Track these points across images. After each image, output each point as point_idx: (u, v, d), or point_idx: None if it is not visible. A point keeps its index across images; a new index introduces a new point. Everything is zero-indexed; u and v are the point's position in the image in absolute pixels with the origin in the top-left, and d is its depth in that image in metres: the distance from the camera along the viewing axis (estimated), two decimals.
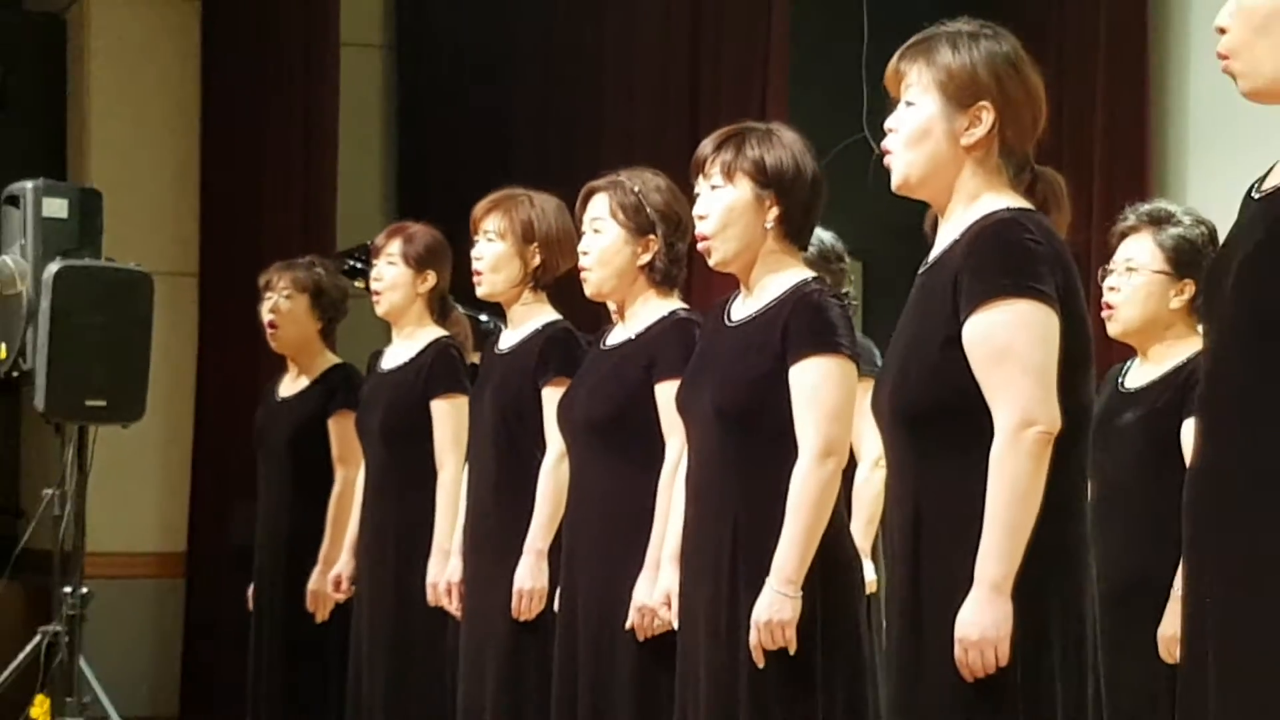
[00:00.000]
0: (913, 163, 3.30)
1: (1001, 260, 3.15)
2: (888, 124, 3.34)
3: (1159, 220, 4.26)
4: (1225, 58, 2.76)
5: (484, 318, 6.54)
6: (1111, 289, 4.26)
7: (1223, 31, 2.77)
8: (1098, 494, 4.17)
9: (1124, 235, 4.30)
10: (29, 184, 6.17)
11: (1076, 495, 3.21)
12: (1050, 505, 3.10)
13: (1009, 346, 3.11)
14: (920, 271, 3.34)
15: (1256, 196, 2.75)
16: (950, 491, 3.17)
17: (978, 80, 3.26)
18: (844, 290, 5.08)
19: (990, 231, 3.20)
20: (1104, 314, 4.29)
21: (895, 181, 3.34)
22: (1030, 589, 3.08)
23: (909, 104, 3.31)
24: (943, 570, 3.16)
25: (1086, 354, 3.25)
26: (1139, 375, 4.28)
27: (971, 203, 3.28)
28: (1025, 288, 3.12)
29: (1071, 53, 6.88)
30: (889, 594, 3.33)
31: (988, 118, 3.26)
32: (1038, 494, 3.08)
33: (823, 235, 5.06)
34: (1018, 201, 3.27)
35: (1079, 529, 3.21)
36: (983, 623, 3.06)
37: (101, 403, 6.11)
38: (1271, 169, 2.78)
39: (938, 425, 3.20)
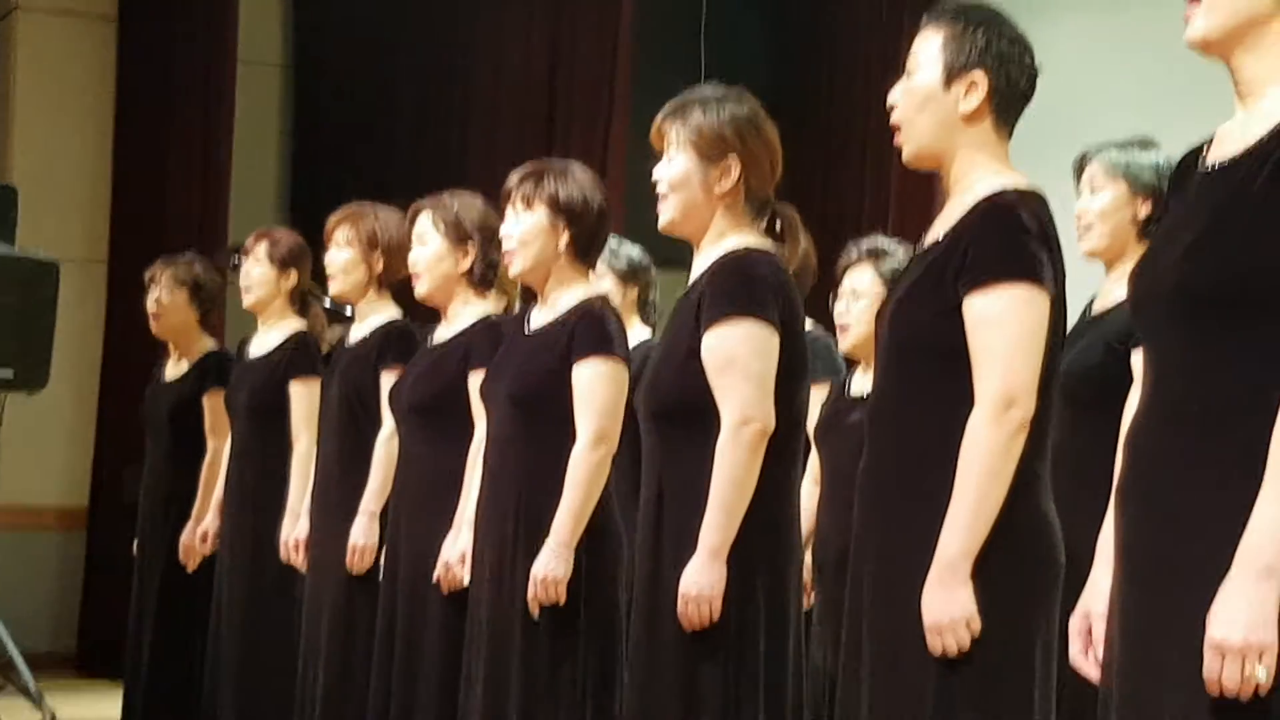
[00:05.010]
0: (674, 208, 3.52)
1: (733, 288, 3.40)
2: (654, 175, 3.55)
3: (877, 254, 4.50)
4: (896, 129, 2.99)
5: (349, 311, 6.67)
6: (843, 312, 4.49)
7: (893, 108, 3.00)
8: (828, 479, 4.48)
9: (846, 268, 4.53)
10: None
11: (788, 482, 3.45)
12: (763, 489, 3.35)
13: (734, 357, 3.36)
14: (680, 296, 3.57)
15: (919, 251, 2.99)
16: (685, 474, 3.41)
17: (724, 138, 3.48)
18: (650, 299, 5.37)
19: (727, 265, 3.45)
20: (839, 333, 4.53)
21: (661, 223, 3.56)
22: (742, 556, 3.33)
23: (669, 159, 3.53)
24: (676, 537, 3.40)
25: (803, 367, 3.49)
26: (863, 382, 4.48)
27: (719, 240, 3.51)
28: (750, 311, 3.37)
29: (878, 88, 7.20)
30: (637, 553, 3.55)
31: (735, 169, 3.49)
32: (752, 479, 3.33)
33: (632, 252, 5.27)
34: (756, 239, 3.51)
35: (789, 509, 3.45)
36: (700, 582, 3.31)
37: (9, 373, 6.23)
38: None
39: (679, 420, 3.44)
